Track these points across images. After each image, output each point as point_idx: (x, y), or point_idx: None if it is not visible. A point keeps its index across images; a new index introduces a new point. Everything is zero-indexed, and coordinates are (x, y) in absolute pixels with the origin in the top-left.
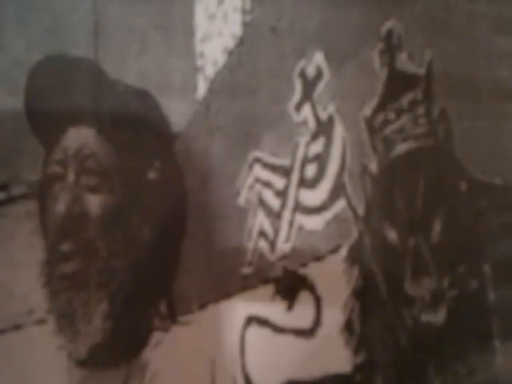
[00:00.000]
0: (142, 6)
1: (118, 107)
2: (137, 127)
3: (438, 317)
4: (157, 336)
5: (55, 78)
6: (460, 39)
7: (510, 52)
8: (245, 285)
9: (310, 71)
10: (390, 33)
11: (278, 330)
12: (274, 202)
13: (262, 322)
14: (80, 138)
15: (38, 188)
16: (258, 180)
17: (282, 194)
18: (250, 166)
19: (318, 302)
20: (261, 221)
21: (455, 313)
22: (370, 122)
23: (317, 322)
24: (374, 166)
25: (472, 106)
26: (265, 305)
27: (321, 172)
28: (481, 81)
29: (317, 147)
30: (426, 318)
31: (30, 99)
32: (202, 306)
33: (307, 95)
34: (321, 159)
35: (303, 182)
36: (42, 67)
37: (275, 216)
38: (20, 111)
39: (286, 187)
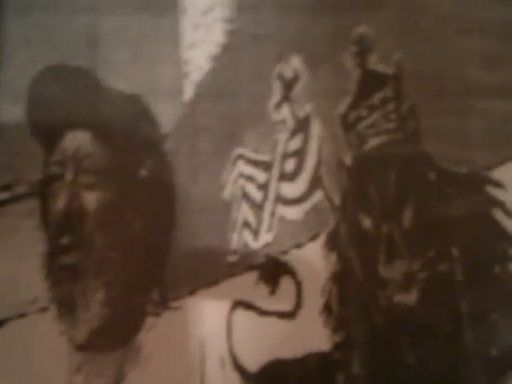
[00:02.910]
0: (133, 19)
1: (111, 112)
2: (129, 129)
3: (410, 297)
4: (150, 321)
5: (55, 86)
6: (428, 40)
7: (475, 50)
8: (231, 272)
9: (288, 74)
10: (361, 36)
11: (262, 313)
12: (256, 195)
13: (247, 305)
14: (77, 140)
15: (39, 187)
16: (241, 175)
17: (263, 187)
18: (234, 162)
19: (298, 286)
20: (244, 212)
21: (426, 293)
22: (344, 119)
23: (298, 304)
24: (348, 160)
25: (439, 101)
26: (249, 290)
27: (299, 166)
28: (448, 78)
29: (295, 143)
30: (398, 298)
31: (31, 106)
32: (192, 292)
33: (285, 96)
34: (299, 154)
35: (283, 176)
36: (43, 77)
37: (258, 208)
38: (22, 118)
39: (268, 181)
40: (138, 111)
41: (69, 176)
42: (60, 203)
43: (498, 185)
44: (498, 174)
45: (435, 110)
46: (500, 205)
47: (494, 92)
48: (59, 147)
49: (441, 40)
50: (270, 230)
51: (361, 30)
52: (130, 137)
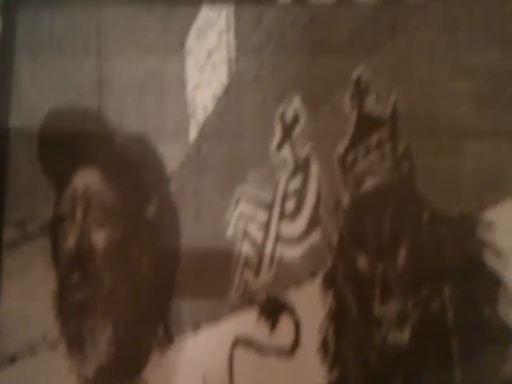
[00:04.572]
0: (140, 61)
1: (119, 151)
2: (136, 169)
3: (403, 336)
4: (155, 356)
5: (64, 126)
6: (422, 81)
7: (467, 92)
8: (232, 308)
9: (289, 115)
10: (359, 78)
11: (262, 349)
12: (257, 234)
13: (248, 342)
14: (87, 179)
15: (51, 225)
16: (243, 214)
17: (264, 227)
18: (237, 202)
19: (296, 324)
20: (246, 251)
21: (418, 331)
22: (342, 159)
23: (296, 341)
24: (346, 200)
25: (433, 142)
26: (250, 327)
27: (299, 206)
28: (441, 119)
29: (295, 184)
30: (392, 337)
31: (42, 145)
32: (195, 328)
33: (286, 136)
34: (299, 194)
35: (283, 215)
36: (53, 117)
37: (259, 246)
38: (34, 156)
39: (269, 220)
40: (144, 151)
41: (79, 215)
42: (70, 242)
43: (489, 226)
44: (489, 215)
45: (428, 151)
46: (491, 246)
47: (485, 133)
48: (69, 186)
49: (434, 82)
50: (270, 268)
51: (358, 72)
52: (137, 176)
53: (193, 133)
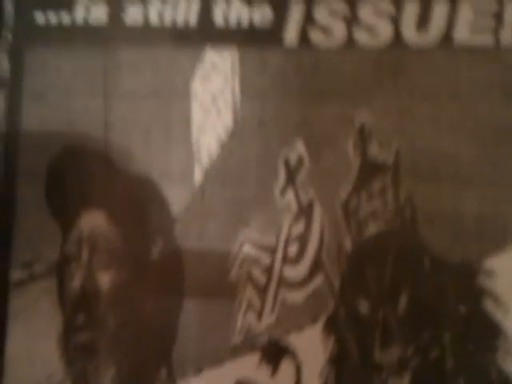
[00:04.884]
0: (146, 104)
1: (125, 193)
2: (141, 211)
3: (403, 382)
4: None
5: (71, 167)
6: (425, 128)
7: (469, 139)
8: (234, 352)
9: (293, 160)
10: (362, 125)
11: None
12: (260, 278)
13: None
14: (92, 221)
15: (57, 267)
16: (247, 258)
17: (268, 271)
18: (241, 245)
19: (298, 368)
20: (249, 295)
21: (418, 378)
22: (345, 205)
23: None
24: (348, 245)
25: (435, 189)
26: (252, 370)
27: (302, 250)
28: (443, 166)
29: (299, 228)
30: (392, 383)
31: (49, 187)
32: (197, 371)
33: (290, 181)
34: (302, 239)
35: (286, 259)
36: (60, 159)
37: (262, 290)
38: (41, 198)
39: (272, 264)
40: (149, 193)
41: (84, 256)
42: (76, 283)
43: (489, 274)
44: (490, 263)
45: (430, 197)
46: (491, 295)
47: (486, 181)
48: (76, 228)
49: (436, 128)
50: (272, 312)
51: (361, 118)
52: (142, 218)
53: (197, 176)
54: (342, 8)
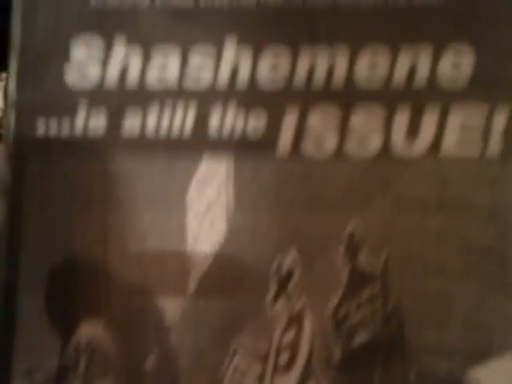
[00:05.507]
0: (142, 214)
1: (121, 303)
2: (136, 321)
3: None
4: None
5: (70, 277)
6: (413, 236)
7: (457, 247)
8: None
9: (285, 268)
10: (351, 234)
11: None
12: None
13: None
14: (90, 330)
15: (56, 376)
16: (239, 366)
17: (259, 379)
18: (233, 354)
19: None
20: None
21: None
22: (334, 314)
23: None
24: (337, 354)
25: (423, 296)
26: None
27: (292, 358)
28: (432, 275)
29: (289, 336)
30: None
31: (49, 296)
32: None
33: (282, 290)
34: (293, 347)
35: (278, 367)
36: (60, 268)
37: None
38: (41, 307)
39: (263, 372)
40: (145, 303)
41: (82, 367)
42: None
43: None
44: (475, 373)
45: (417, 305)
46: None
47: (473, 290)
48: (74, 337)
49: (425, 236)
50: None
51: (351, 227)
52: (138, 327)
53: (192, 285)
54: (337, 116)
